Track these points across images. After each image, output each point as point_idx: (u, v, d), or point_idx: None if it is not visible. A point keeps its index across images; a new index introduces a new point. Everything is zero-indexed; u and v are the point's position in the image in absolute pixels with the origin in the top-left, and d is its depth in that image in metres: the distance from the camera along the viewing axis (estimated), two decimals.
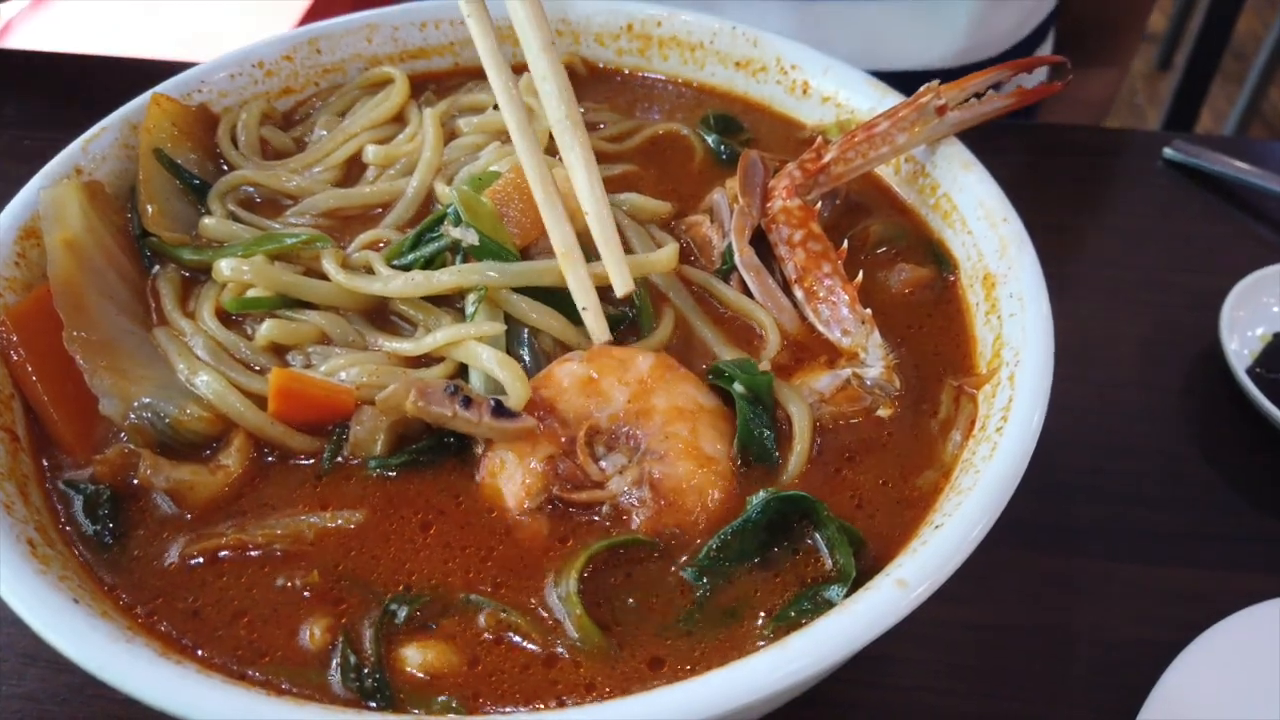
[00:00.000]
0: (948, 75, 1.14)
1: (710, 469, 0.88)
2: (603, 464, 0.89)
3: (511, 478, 0.88)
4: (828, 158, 1.09)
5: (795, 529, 0.85)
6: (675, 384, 0.93)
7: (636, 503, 0.87)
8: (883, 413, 0.95)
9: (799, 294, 1.03)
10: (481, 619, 0.80)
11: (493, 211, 1.00)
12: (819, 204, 1.09)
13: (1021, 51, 1.89)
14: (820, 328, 1.01)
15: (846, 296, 1.01)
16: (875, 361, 0.97)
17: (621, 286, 0.97)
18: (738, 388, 0.92)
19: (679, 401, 0.91)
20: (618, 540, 0.84)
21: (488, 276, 0.96)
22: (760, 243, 1.08)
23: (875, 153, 1.10)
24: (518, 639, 0.80)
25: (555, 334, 0.97)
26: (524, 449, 0.88)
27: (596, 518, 0.87)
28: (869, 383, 0.96)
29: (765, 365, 0.97)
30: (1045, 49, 1.99)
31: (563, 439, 0.90)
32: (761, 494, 0.84)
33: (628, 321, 1.01)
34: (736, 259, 1.05)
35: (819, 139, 1.13)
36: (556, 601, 0.81)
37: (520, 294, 0.97)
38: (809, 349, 1.01)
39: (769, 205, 1.08)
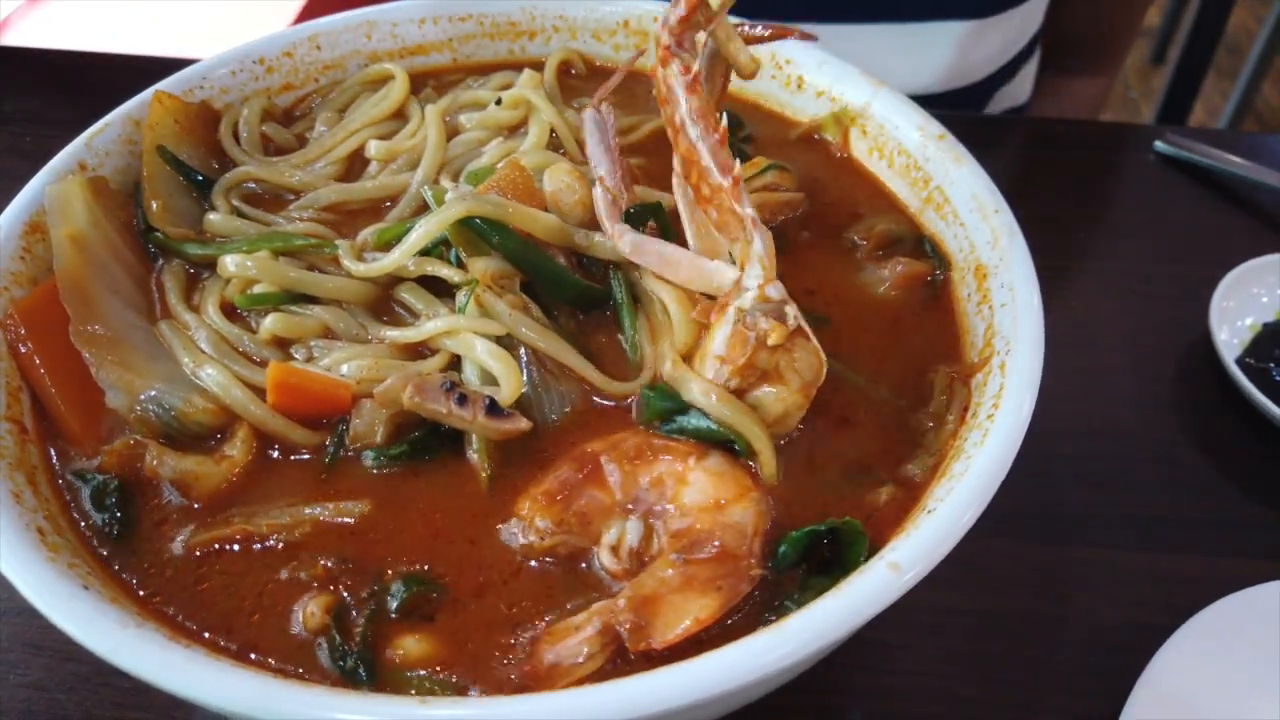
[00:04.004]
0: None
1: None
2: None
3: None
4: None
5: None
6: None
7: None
8: (773, 340, 0.84)
9: (691, 199, 0.88)
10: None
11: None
12: (700, 69, 0.92)
13: (1007, 73, 1.90)
14: (721, 242, 0.89)
15: (727, 182, 0.86)
16: (753, 278, 0.84)
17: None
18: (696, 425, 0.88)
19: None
20: None
21: (489, 206, 0.95)
22: None
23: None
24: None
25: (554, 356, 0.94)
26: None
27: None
28: (749, 314, 0.84)
29: (668, 365, 0.92)
30: (1031, 67, 1.99)
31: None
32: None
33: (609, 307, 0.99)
34: (618, 246, 0.93)
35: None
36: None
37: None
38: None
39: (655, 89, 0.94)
